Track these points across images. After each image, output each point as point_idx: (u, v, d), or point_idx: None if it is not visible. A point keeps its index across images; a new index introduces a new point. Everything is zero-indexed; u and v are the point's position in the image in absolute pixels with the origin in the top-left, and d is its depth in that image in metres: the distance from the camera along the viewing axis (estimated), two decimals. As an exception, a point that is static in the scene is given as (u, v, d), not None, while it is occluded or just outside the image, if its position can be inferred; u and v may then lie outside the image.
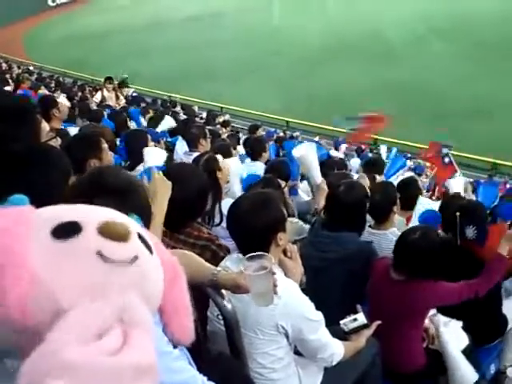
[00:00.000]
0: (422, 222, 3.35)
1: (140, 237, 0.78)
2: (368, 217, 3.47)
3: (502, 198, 5.55)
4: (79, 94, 12.49)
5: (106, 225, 0.73)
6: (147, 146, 3.85)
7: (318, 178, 3.66)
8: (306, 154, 3.75)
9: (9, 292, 0.64)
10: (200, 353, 2.10)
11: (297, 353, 2.16)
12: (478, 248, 3.01)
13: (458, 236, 3.04)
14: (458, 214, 3.04)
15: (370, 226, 3.48)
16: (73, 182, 1.39)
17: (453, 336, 2.71)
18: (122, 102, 10.99)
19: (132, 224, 0.79)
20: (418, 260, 2.62)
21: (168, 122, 7.07)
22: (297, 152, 3.85)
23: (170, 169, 2.68)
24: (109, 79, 10.88)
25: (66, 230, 0.70)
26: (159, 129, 6.64)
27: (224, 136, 9.28)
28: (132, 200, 1.40)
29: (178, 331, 0.88)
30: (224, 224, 2.66)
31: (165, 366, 1.34)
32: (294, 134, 13.41)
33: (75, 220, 0.72)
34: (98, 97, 10.84)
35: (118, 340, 0.63)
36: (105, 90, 10.64)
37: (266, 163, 4.90)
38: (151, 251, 0.79)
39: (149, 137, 4.14)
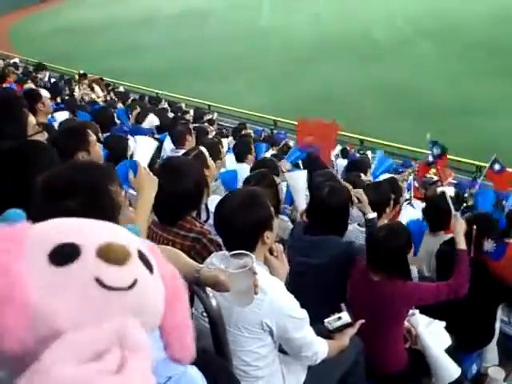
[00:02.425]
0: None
1: (140, 254, 0.76)
2: (359, 214, 3.49)
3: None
4: (66, 88, 12.34)
5: (105, 247, 0.71)
6: (126, 152, 3.84)
7: (302, 205, 3.77)
8: (298, 180, 3.85)
9: (4, 330, 0.63)
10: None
11: (281, 351, 2.16)
12: (492, 262, 3.00)
13: (473, 248, 3.02)
14: (475, 227, 3.05)
15: (358, 225, 3.50)
16: (43, 178, 1.34)
17: (434, 336, 2.73)
18: (100, 94, 10.91)
19: (132, 242, 0.77)
20: (386, 257, 2.66)
21: (151, 120, 7.08)
22: (289, 176, 3.96)
23: (168, 162, 2.68)
24: (83, 76, 10.82)
25: (64, 255, 0.68)
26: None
27: (211, 134, 9.25)
28: (102, 200, 1.36)
29: (179, 349, 0.86)
30: (211, 221, 2.65)
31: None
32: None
33: (73, 242, 0.70)
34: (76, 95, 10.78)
35: (114, 362, 0.63)
36: (77, 87, 10.59)
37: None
38: (151, 270, 0.77)
39: (129, 143, 4.05)
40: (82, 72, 10.86)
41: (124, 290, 0.70)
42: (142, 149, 2.29)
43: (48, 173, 1.35)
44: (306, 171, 4.14)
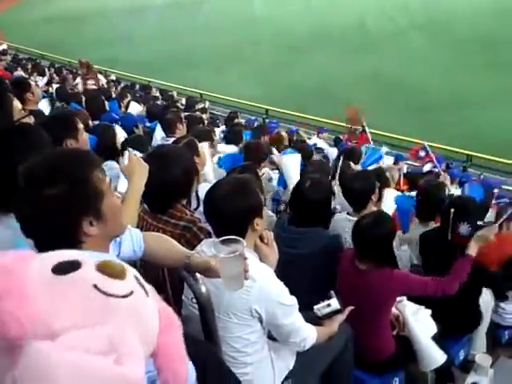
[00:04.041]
0: (398, 210, 3.41)
1: (137, 279, 0.82)
2: (346, 204, 3.52)
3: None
4: (55, 76, 12.23)
5: (104, 263, 0.78)
6: (115, 142, 3.84)
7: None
8: (291, 163, 3.89)
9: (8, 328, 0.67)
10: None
11: (270, 337, 2.17)
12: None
13: (450, 231, 3.07)
14: (452, 210, 3.07)
15: (348, 214, 3.52)
16: (24, 166, 1.33)
17: (421, 323, 2.76)
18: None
19: (130, 268, 0.83)
20: (372, 245, 2.69)
21: (133, 108, 7.12)
22: (283, 159, 3.98)
23: (157, 150, 2.67)
24: (88, 66, 10.69)
25: (66, 267, 0.75)
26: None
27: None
28: (83, 188, 1.34)
29: (173, 379, 0.88)
30: (201, 208, 2.66)
31: None
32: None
33: (75, 259, 0.77)
34: (79, 86, 10.62)
35: (107, 357, 0.67)
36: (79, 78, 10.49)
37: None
38: (147, 294, 0.83)
39: (117, 132, 4.02)
40: (84, 60, 10.60)
41: (120, 297, 0.75)
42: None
43: (30, 160, 1.34)
44: (299, 155, 4.17)
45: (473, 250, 2.97)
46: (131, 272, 0.82)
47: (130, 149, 2.15)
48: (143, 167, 2.11)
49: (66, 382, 0.62)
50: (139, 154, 2.31)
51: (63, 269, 0.74)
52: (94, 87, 9.99)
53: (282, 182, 4.26)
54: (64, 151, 1.88)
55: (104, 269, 0.76)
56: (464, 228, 3.03)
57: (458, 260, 2.95)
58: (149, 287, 0.86)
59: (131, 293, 0.77)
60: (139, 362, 0.71)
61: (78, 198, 1.31)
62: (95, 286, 0.73)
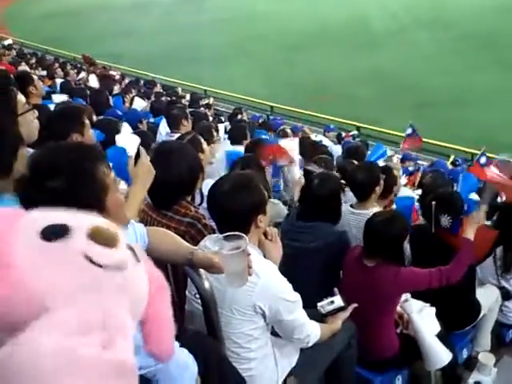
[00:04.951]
0: (399, 209, 3.40)
1: (128, 246, 0.78)
2: (350, 195, 3.50)
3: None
4: (58, 70, 12.23)
5: (96, 229, 0.73)
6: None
7: (297, 173, 3.75)
8: (290, 149, 3.84)
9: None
10: (178, 333, 2.11)
11: (273, 333, 2.17)
12: (451, 237, 3.06)
13: (433, 224, 3.09)
14: (433, 202, 3.10)
15: (351, 206, 3.52)
16: (29, 158, 1.34)
17: (426, 321, 2.75)
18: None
19: (122, 233, 0.79)
20: (383, 243, 2.68)
21: (138, 103, 7.12)
22: (283, 144, 3.96)
23: (161, 146, 2.66)
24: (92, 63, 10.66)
25: (55, 232, 0.70)
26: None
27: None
28: (87, 181, 1.34)
29: (157, 344, 0.85)
30: (205, 205, 2.65)
31: None
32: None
33: (65, 223, 0.72)
34: (93, 83, 10.56)
35: (100, 340, 0.63)
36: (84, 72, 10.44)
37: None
38: (138, 259, 0.79)
39: (125, 127, 4.01)
40: (87, 55, 10.53)
41: (112, 269, 0.71)
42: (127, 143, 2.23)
43: (34, 153, 1.34)
44: (297, 139, 4.17)
45: (469, 232, 2.97)
46: (123, 236, 0.77)
47: (143, 149, 2.10)
48: (150, 174, 2.06)
49: (55, 374, 0.59)
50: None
51: (53, 234, 0.69)
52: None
53: (276, 170, 4.25)
54: (69, 144, 1.88)
55: (96, 236, 0.71)
56: (445, 220, 3.05)
57: (461, 246, 2.93)
58: (138, 248, 0.82)
59: (124, 263, 0.73)
60: (129, 343, 0.68)
61: (82, 191, 1.30)
62: (87, 257, 0.69)
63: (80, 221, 0.74)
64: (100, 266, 0.69)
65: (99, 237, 0.72)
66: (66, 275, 0.67)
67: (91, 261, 0.69)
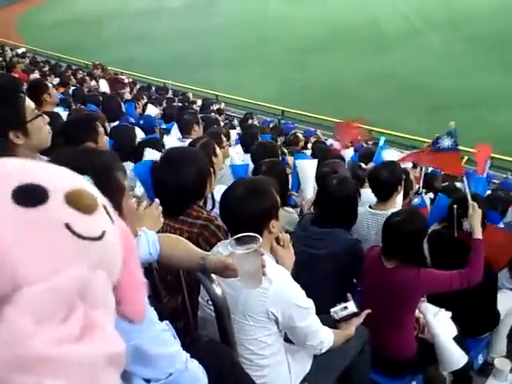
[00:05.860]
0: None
1: (104, 206, 0.72)
2: (364, 198, 3.47)
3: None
4: (72, 78, 12.35)
5: (75, 194, 0.66)
6: (134, 143, 3.86)
7: (310, 192, 3.77)
8: (308, 168, 3.87)
9: None
10: (191, 339, 2.11)
11: (286, 340, 2.15)
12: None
13: (455, 228, 3.06)
14: (455, 206, 3.06)
15: (370, 207, 3.49)
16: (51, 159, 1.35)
17: (442, 325, 2.72)
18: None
19: (95, 191, 0.73)
20: (402, 242, 2.65)
21: (151, 110, 7.17)
22: (299, 164, 3.98)
23: (169, 153, 2.66)
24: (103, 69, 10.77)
25: (31, 196, 0.62)
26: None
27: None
28: (108, 181, 1.32)
29: (131, 307, 0.80)
30: (216, 210, 2.65)
31: (152, 336, 1.32)
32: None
33: (40, 184, 0.64)
34: (103, 88, 10.63)
35: (77, 325, 0.59)
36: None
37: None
38: (113, 221, 0.73)
39: (137, 133, 4.06)
40: (97, 63, 10.62)
41: (93, 240, 0.65)
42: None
43: (54, 154, 1.35)
44: (316, 160, 4.15)
45: (476, 232, 2.94)
46: (100, 198, 0.71)
47: (157, 200, 2.04)
48: (156, 224, 1.97)
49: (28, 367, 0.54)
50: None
51: (27, 197, 0.61)
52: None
53: (296, 184, 4.25)
54: (88, 148, 1.90)
55: (74, 202, 0.64)
56: (467, 224, 3.02)
57: (472, 249, 2.90)
58: (109, 205, 0.75)
59: (104, 232, 0.67)
60: (110, 320, 0.64)
61: (103, 191, 1.30)
62: (67, 226, 0.62)
63: (56, 181, 0.67)
64: (83, 237, 0.63)
65: (79, 202, 0.65)
66: (46, 248, 0.60)
67: (73, 232, 0.63)
